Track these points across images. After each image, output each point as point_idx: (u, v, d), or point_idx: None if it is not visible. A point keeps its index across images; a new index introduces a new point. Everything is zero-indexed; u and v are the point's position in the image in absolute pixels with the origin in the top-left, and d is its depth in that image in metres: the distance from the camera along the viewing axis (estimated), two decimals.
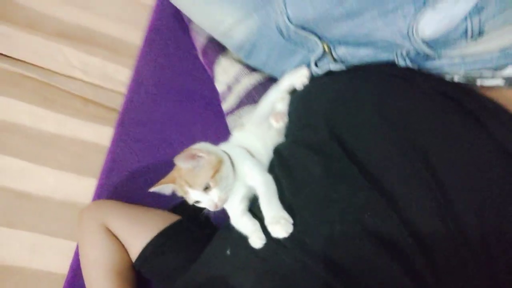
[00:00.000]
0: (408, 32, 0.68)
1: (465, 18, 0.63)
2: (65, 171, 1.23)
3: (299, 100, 0.85)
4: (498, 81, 0.69)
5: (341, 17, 0.75)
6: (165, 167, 1.10)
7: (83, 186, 1.23)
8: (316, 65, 0.87)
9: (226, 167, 0.76)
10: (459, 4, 0.62)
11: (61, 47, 1.25)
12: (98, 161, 1.20)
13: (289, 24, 0.84)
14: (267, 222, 0.70)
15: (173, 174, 0.78)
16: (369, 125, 0.68)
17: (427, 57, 0.72)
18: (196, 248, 0.90)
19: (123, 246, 0.92)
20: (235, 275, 0.74)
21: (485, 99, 0.66)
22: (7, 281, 1.13)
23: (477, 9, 0.62)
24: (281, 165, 0.75)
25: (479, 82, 0.69)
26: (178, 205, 1.02)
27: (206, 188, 0.73)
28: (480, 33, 0.65)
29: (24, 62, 1.25)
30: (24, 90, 1.23)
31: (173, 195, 0.86)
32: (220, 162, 0.75)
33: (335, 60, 0.84)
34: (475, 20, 0.63)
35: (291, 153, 0.76)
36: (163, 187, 0.78)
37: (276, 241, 0.68)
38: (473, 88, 0.69)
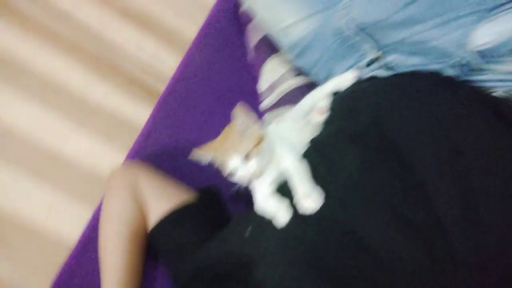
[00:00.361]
0: (463, 41, 0.71)
1: None
2: (99, 139, 1.26)
3: (344, 97, 0.87)
4: None
5: (402, 22, 0.78)
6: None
7: (111, 159, 1.26)
8: (365, 69, 0.90)
9: (266, 143, 0.79)
10: None
11: (123, 24, 1.33)
12: (131, 139, 1.25)
13: (351, 25, 0.87)
14: (298, 197, 0.71)
15: (215, 142, 0.81)
16: (414, 122, 0.70)
17: (474, 69, 0.74)
18: (212, 230, 0.91)
19: (143, 212, 0.94)
20: (254, 251, 0.74)
21: None
22: (17, 236, 1.15)
23: None
24: (317, 152, 0.77)
25: None
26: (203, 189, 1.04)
27: (246, 157, 0.76)
28: None
29: (86, 27, 1.32)
30: (80, 55, 1.29)
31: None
32: (263, 136, 0.78)
33: (384, 66, 0.87)
34: None
35: (329, 142, 0.78)
36: (203, 155, 0.81)
37: (305, 219, 0.69)
38: None
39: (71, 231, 1.08)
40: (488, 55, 0.71)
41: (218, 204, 1.02)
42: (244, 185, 0.81)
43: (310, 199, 0.70)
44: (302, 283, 0.64)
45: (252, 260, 0.73)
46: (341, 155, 0.74)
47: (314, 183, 0.73)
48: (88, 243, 1.00)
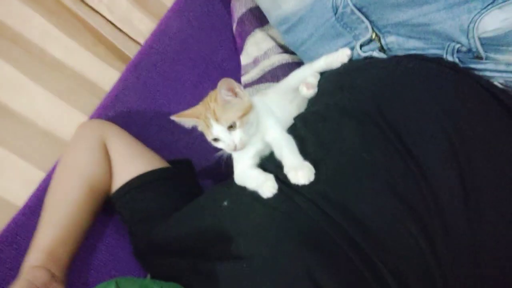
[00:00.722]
0: (468, 27, 0.70)
1: None
2: (58, 98, 1.15)
3: (337, 74, 0.85)
4: None
5: (406, 3, 0.77)
6: (165, 122, 1.09)
7: (71, 120, 1.15)
8: (358, 50, 0.88)
9: (254, 114, 0.75)
10: None
11: None
12: (92, 102, 1.14)
13: (349, 2, 0.85)
14: (287, 169, 0.67)
15: (198, 108, 0.76)
16: (415, 102, 0.69)
17: (474, 57, 0.74)
18: (180, 201, 0.85)
19: (110, 169, 0.86)
20: (233, 224, 0.70)
21: None
22: None
23: None
24: (305, 127, 0.74)
25: None
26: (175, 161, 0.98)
27: (231, 127, 0.72)
28: None
29: None
30: (45, 7, 1.16)
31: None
32: (250, 107, 0.74)
33: (381, 48, 0.85)
34: None
35: (318, 117, 0.75)
36: (186, 120, 0.77)
37: (291, 190, 0.66)
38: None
39: (19, 193, 0.98)
40: (492, 43, 0.71)
41: (191, 176, 0.96)
42: (227, 154, 0.76)
43: (300, 172, 0.66)
44: (295, 260, 0.61)
45: (229, 235, 0.69)
46: (334, 130, 0.71)
47: (302, 157, 0.69)
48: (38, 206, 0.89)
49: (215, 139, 0.74)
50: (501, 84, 0.72)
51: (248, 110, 0.73)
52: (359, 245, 0.59)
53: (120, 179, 0.84)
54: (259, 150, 0.77)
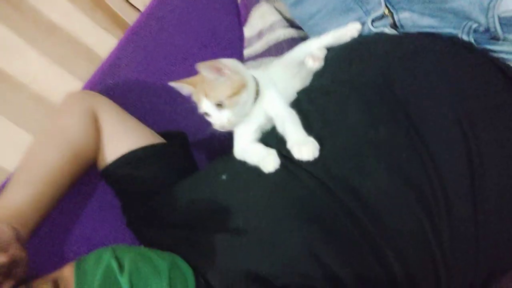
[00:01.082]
0: (489, 5, 0.68)
1: None
2: (53, 63, 1.11)
3: (346, 48, 0.82)
4: None
5: None
6: (162, 91, 1.06)
7: (65, 86, 1.11)
8: (370, 25, 0.85)
9: (248, 93, 0.71)
10: None
11: None
12: (88, 68, 1.10)
13: None
14: (291, 144, 0.65)
15: (197, 78, 0.73)
16: (426, 79, 0.67)
17: (491, 38, 0.72)
18: (174, 176, 0.83)
19: (98, 140, 0.81)
20: (232, 197, 0.68)
21: None
22: None
23: None
24: (311, 101, 0.72)
25: None
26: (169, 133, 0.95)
27: (219, 105, 0.69)
28: None
29: None
30: None
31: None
32: (242, 86, 0.70)
33: (394, 25, 0.82)
34: None
35: (324, 91, 0.72)
36: (183, 86, 0.74)
37: (294, 166, 0.64)
38: None
39: (11, 157, 0.95)
40: (509, 25, 0.68)
41: (185, 151, 0.94)
42: (218, 131, 0.73)
43: (304, 148, 0.64)
44: (296, 235, 0.59)
45: (228, 208, 0.67)
46: (340, 106, 0.68)
47: (306, 133, 0.67)
48: None
49: (206, 114, 0.71)
50: None
51: (240, 89, 0.69)
52: (361, 221, 0.58)
53: (112, 153, 0.81)
54: (261, 125, 0.75)
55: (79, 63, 1.16)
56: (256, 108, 0.74)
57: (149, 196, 0.79)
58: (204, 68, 0.67)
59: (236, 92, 0.69)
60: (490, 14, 0.68)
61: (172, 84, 0.74)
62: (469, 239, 0.58)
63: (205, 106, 0.70)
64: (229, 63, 0.72)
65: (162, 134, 0.90)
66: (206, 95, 0.69)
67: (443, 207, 0.58)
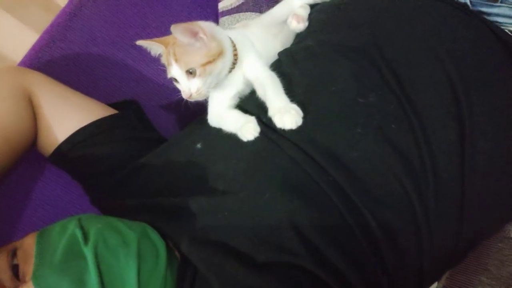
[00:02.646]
0: None
1: None
2: (5, 12, 0.98)
3: (331, 6, 0.76)
4: None
5: None
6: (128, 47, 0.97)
7: (20, 37, 1.00)
8: None
9: (223, 63, 0.65)
10: None
11: None
12: (45, 18, 0.99)
13: None
14: (272, 112, 0.61)
15: (168, 39, 0.65)
16: (419, 40, 0.63)
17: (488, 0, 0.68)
18: (142, 146, 0.77)
19: (34, 121, 0.72)
20: (209, 166, 0.64)
21: None
22: None
23: None
24: (294, 63, 0.67)
25: None
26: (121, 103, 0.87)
27: (190, 73, 0.62)
28: None
29: None
30: None
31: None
32: (219, 54, 0.63)
33: None
34: None
35: (309, 54, 0.67)
36: (153, 45, 0.66)
37: (275, 134, 0.60)
38: None
39: None
40: None
41: (141, 118, 0.86)
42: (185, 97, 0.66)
43: (286, 116, 0.60)
44: (277, 206, 0.57)
45: (205, 176, 0.63)
46: (326, 69, 0.64)
47: (288, 99, 0.62)
48: None
49: (175, 79, 0.65)
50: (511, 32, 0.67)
51: (215, 58, 0.63)
52: (346, 193, 0.56)
53: (58, 134, 0.72)
54: (239, 91, 0.69)
55: (34, 11, 1.04)
56: (234, 73, 0.68)
57: (112, 173, 0.73)
58: (179, 31, 0.60)
59: (211, 61, 0.62)
60: None
61: (141, 42, 0.66)
62: (455, 211, 0.58)
63: (174, 71, 0.63)
64: (207, 26, 0.64)
65: (112, 106, 0.82)
66: (177, 60, 0.62)
67: (431, 179, 0.56)
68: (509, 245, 0.76)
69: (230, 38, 0.68)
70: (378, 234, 0.55)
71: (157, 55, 0.68)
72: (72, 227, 0.54)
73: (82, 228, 0.54)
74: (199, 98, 0.65)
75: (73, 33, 0.93)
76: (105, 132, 0.75)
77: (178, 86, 0.65)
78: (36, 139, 0.73)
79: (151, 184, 0.69)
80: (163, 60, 0.66)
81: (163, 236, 0.62)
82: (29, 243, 0.54)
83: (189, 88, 0.63)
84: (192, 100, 0.65)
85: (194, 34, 0.61)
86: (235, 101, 0.70)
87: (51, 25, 0.94)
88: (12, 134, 0.68)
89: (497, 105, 0.60)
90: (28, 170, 0.82)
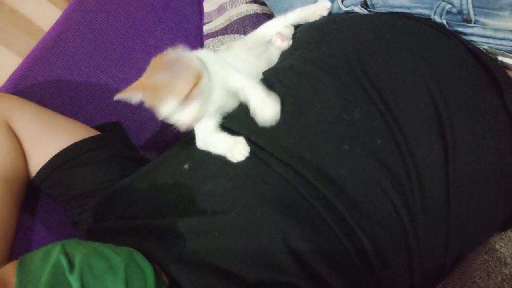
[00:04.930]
0: None
1: None
2: None
3: (315, 26, 0.77)
4: None
5: None
6: (113, 68, 0.97)
7: (2, 62, 0.99)
8: (340, 4, 0.81)
9: (206, 78, 0.63)
10: None
11: None
12: (28, 42, 0.99)
13: None
14: (253, 108, 0.62)
15: (141, 81, 0.63)
16: (401, 57, 0.64)
17: (462, 20, 0.70)
18: (122, 167, 0.76)
19: (22, 151, 0.72)
20: (198, 186, 0.63)
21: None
22: None
23: None
24: (279, 82, 0.67)
25: (500, 58, 0.69)
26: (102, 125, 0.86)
27: (185, 99, 0.61)
28: None
29: None
30: None
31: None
32: (201, 72, 0.62)
33: (365, 4, 0.78)
34: None
35: (293, 71, 0.68)
36: (131, 95, 0.63)
37: (264, 153, 0.60)
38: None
39: None
40: (484, 6, 0.67)
41: (123, 139, 0.85)
42: (183, 129, 0.65)
43: (266, 108, 0.61)
44: (268, 224, 0.56)
45: (193, 196, 0.62)
46: (312, 88, 0.65)
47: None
48: None
49: (166, 118, 0.63)
50: (485, 50, 0.69)
51: (200, 75, 0.62)
52: (336, 209, 0.56)
53: (40, 157, 0.72)
54: (219, 106, 0.68)
55: (17, 35, 1.04)
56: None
57: (95, 194, 0.72)
58: (155, 74, 0.59)
59: (198, 79, 0.61)
60: None
61: (119, 96, 0.63)
62: (441, 223, 0.58)
63: (166, 108, 0.61)
64: (176, 53, 0.63)
65: (95, 128, 0.82)
66: (171, 92, 0.60)
67: (418, 192, 0.57)
68: (495, 257, 0.76)
69: (198, 58, 0.67)
70: (369, 250, 0.55)
71: (138, 102, 0.64)
72: (56, 254, 0.52)
73: (66, 254, 0.52)
74: (198, 121, 0.64)
75: (56, 57, 0.93)
76: (87, 153, 0.74)
77: (172, 121, 0.64)
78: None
79: (136, 205, 0.68)
80: (147, 104, 0.63)
81: (150, 259, 0.60)
82: (8, 272, 0.51)
83: (186, 116, 0.62)
84: (190, 127, 0.64)
85: (169, 67, 0.60)
86: (217, 118, 0.69)
87: (35, 49, 0.94)
88: (10, 172, 0.69)
89: (476, 120, 0.61)
90: None
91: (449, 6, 0.69)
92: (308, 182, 0.57)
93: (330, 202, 0.56)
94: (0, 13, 1.01)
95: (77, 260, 0.52)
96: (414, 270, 0.58)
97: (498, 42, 0.69)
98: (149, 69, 0.63)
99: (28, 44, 0.97)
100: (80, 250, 0.54)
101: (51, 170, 0.71)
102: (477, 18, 0.68)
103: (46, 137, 0.73)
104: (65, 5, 1.05)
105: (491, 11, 0.66)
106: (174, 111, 0.61)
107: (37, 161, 0.72)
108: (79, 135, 0.75)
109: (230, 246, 0.57)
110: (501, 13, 0.66)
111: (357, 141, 0.59)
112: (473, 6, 0.67)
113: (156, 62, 0.62)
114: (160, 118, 0.63)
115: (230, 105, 0.70)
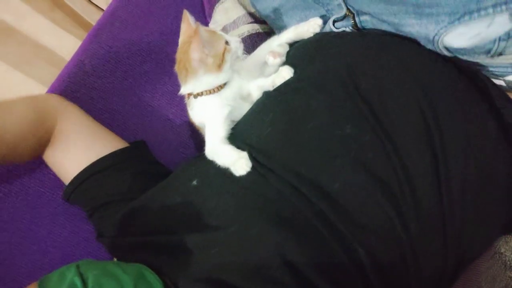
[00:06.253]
0: (434, 38, 0.68)
1: (494, 41, 0.65)
2: (12, 68, 1.07)
3: (308, 43, 0.81)
4: (500, 82, 0.72)
5: None
6: (129, 93, 1.03)
7: (27, 92, 1.07)
8: (332, 25, 0.84)
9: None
10: (492, 27, 0.63)
11: None
12: (51, 71, 1.07)
13: None
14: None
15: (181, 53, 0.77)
16: (391, 73, 0.67)
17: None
18: (144, 181, 0.82)
19: (33, 145, 0.77)
20: (204, 203, 0.67)
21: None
22: None
23: (507, 35, 0.63)
24: (275, 101, 0.71)
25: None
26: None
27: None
28: (501, 54, 0.67)
29: None
30: None
31: None
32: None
33: (355, 25, 0.81)
34: (502, 44, 0.64)
35: (290, 88, 0.72)
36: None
37: (264, 169, 0.64)
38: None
39: None
40: (459, 52, 0.69)
41: (150, 156, 0.92)
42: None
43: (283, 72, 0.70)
44: (266, 239, 0.59)
45: (199, 214, 0.66)
46: (305, 105, 0.68)
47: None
48: None
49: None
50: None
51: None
52: (332, 222, 0.59)
53: (79, 162, 0.79)
54: (230, 112, 0.74)
55: (40, 66, 1.12)
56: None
57: (120, 205, 0.77)
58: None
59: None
60: (435, 46, 0.70)
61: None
62: (436, 231, 0.60)
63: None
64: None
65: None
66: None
67: (411, 201, 0.59)
68: (500, 261, 0.77)
69: None
70: (364, 260, 0.57)
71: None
72: (70, 275, 0.56)
73: (81, 275, 0.56)
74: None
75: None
76: (121, 163, 0.81)
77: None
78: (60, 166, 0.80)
79: (150, 222, 0.73)
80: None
81: (162, 274, 0.64)
82: None
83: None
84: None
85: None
86: (227, 127, 0.73)
87: (59, 78, 1.01)
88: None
89: (464, 131, 0.63)
90: (36, 215, 0.88)
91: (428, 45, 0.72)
92: (304, 196, 0.61)
93: (326, 215, 0.59)
94: (25, 47, 1.10)
95: (90, 280, 0.56)
96: (412, 278, 0.60)
97: (480, 70, 0.71)
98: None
99: (51, 73, 1.05)
100: (92, 270, 0.59)
101: (86, 177, 0.78)
102: (455, 58, 0.71)
103: (87, 144, 0.81)
104: (83, 34, 1.13)
105: (466, 54, 0.69)
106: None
107: (77, 165, 0.79)
108: (116, 146, 0.83)
109: (230, 260, 0.60)
110: (475, 56, 0.68)
111: (349, 155, 0.62)
112: (448, 51, 0.70)
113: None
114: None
115: (239, 112, 0.76)
